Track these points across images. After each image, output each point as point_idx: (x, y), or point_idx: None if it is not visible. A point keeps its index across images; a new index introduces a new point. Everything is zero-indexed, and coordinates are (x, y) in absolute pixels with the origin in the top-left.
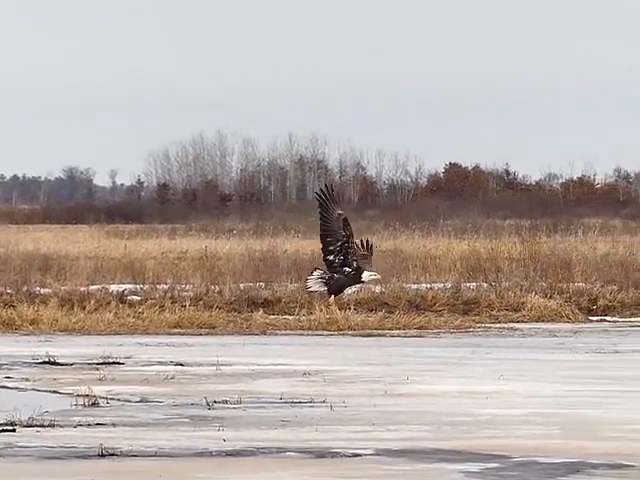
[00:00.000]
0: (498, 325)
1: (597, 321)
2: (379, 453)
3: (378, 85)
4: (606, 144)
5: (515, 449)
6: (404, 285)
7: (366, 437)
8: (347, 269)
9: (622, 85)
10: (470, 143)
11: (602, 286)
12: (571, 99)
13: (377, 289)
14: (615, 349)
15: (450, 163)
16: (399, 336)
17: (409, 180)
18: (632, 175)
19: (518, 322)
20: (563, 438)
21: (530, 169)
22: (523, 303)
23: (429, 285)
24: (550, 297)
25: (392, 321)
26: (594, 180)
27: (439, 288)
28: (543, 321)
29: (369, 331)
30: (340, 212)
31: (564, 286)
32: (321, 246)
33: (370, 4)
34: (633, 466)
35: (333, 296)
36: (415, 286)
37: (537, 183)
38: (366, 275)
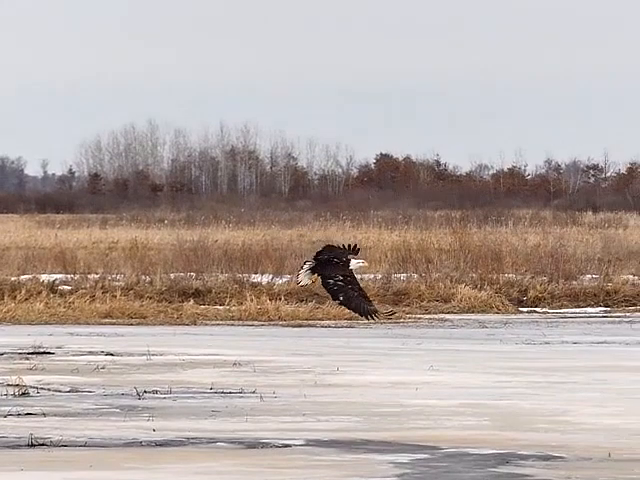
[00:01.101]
0: (428, 316)
1: (527, 312)
2: (309, 444)
3: (309, 76)
4: (537, 135)
5: (445, 440)
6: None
7: (296, 428)
8: (336, 260)
9: (552, 79)
10: (401, 134)
11: (532, 277)
12: (502, 91)
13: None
14: (545, 340)
15: (381, 154)
16: (329, 327)
17: (340, 171)
18: (562, 166)
19: (448, 313)
20: (493, 429)
21: (461, 160)
22: (453, 294)
23: (359, 276)
24: (480, 288)
25: (323, 312)
26: (524, 171)
27: (369, 279)
28: (473, 312)
29: (300, 321)
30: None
31: (494, 277)
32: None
33: None
34: (563, 457)
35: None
36: None
37: (468, 174)
38: (353, 263)
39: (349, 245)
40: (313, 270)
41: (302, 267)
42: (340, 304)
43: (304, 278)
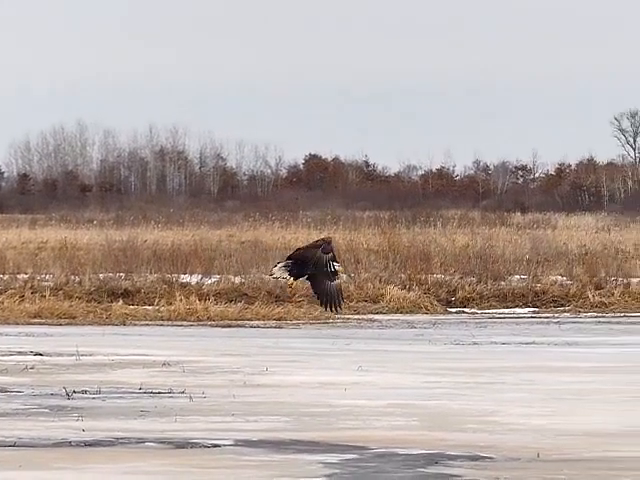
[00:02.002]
0: (357, 316)
1: (456, 312)
2: (238, 444)
3: (238, 76)
4: (465, 136)
5: (374, 440)
6: (264, 276)
7: (225, 428)
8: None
9: (479, 77)
10: (330, 135)
11: (461, 278)
12: (430, 92)
13: (237, 280)
14: (473, 341)
15: (310, 154)
16: (258, 327)
17: (269, 171)
18: (491, 167)
19: (377, 313)
20: (422, 429)
21: (389, 161)
22: (382, 294)
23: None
24: (409, 289)
25: (252, 312)
26: (453, 172)
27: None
28: (402, 312)
29: (229, 322)
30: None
31: (423, 278)
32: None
33: None
34: (491, 458)
35: (294, 279)
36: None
37: (396, 175)
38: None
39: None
40: (287, 267)
41: (276, 265)
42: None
43: (277, 271)
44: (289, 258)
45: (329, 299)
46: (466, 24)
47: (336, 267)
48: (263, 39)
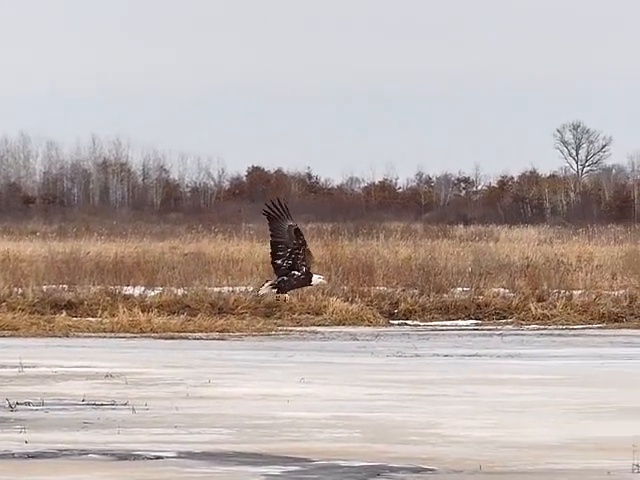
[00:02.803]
0: (300, 328)
1: (398, 325)
2: (181, 456)
3: (180, 88)
4: (408, 148)
5: (316, 452)
6: (206, 288)
7: (168, 440)
8: (296, 273)
9: (423, 90)
10: (272, 147)
11: (403, 290)
12: (372, 103)
13: (179, 292)
14: (416, 353)
15: (252, 167)
16: (201, 339)
17: (212, 183)
18: (433, 179)
19: (320, 325)
20: (364, 441)
21: (332, 173)
22: (325, 306)
23: (231, 288)
24: (352, 301)
25: (194, 324)
26: (396, 184)
27: (241, 291)
28: (344, 324)
29: (171, 334)
30: (291, 224)
31: (365, 290)
32: (270, 252)
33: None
34: (433, 470)
35: (285, 295)
36: (217, 289)
37: (339, 187)
38: (315, 278)
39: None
40: (273, 285)
41: (263, 285)
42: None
43: (264, 289)
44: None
45: (283, 283)
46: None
47: (320, 280)
48: (205, 51)
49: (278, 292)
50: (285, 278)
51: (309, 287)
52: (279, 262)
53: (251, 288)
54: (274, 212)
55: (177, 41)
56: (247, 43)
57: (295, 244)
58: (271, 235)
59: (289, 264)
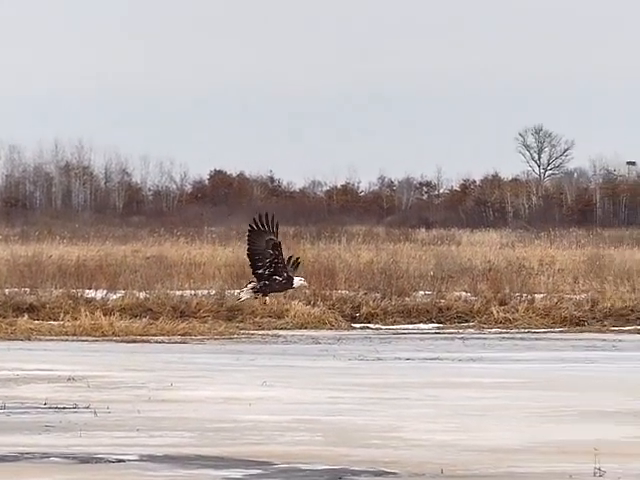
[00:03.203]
0: (262, 332)
1: (360, 328)
2: (143, 459)
3: (143, 91)
4: (370, 152)
5: (278, 455)
6: (168, 291)
7: (130, 443)
8: (278, 278)
9: (385, 94)
10: (235, 151)
11: (365, 293)
12: (335, 108)
13: (141, 295)
14: (378, 356)
15: (215, 170)
16: (163, 342)
17: (174, 187)
18: (395, 183)
19: (282, 329)
20: (326, 445)
21: (294, 176)
22: (287, 310)
23: (193, 292)
24: (314, 304)
25: (156, 327)
26: (358, 188)
27: (203, 295)
28: (306, 328)
29: (133, 337)
30: (271, 238)
31: (327, 293)
32: (250, 264)
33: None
34: (395, 473)
35: (266, 297)
36: (179, 292)
37: (301, 190)
38: (296, 281)
39: (289, 258)
40: (254, 289)
41: (246, 286)
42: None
43: (245, 294)
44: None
45: (264, 286)
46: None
47: (302, 282)
48: (170, 55)
49: (258, 292)
50: (267, 282)
51: (291, 290)
52: (261, 271)
53: (213, 291)
54: (258, 227)
55: (128, 43)
56: (213, 44)
57: (272, 254)
58: (247, 246)
59: (270, 272)
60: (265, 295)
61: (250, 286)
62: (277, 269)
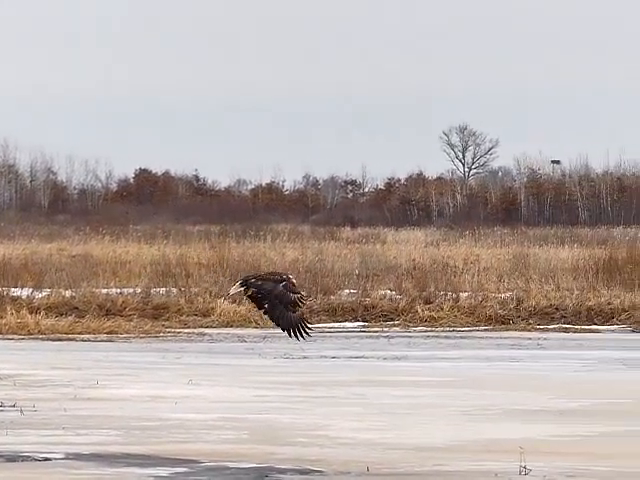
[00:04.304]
0: (188, 330)
1: None
2: (69, 457)
3: (67, 90)
4: (295, 150)
5: (204, 454)
6: (94, 290)
7: (56, 441)
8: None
9: (308, 92)
10: (160, 149)
11: None
12: (258, 106)
13: (67, 294)
14: (303, 354)
15: (140, 169)
16: (89, 340)
17: (99, 185)
18: (320, 181)
19: (207, 327)
20: (252, 443)
21: (219, 175)
22: (213, 308)
23: (119, 290)
24: (239, 303)
25: (82, 325)
26: (283, 186)
27: (129, 293)
28: (232, 326)
29: (59, 335)
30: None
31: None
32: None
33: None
34: (321, 471)
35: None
36: (105, 291)
37: (226, 189)
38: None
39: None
40: (243, 284)
41: (235, 282)
42: (264, 313)
43: (233, 290)
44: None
45: (291, 326)
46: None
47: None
48: (95, 54)
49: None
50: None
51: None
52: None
53: (139, 290)
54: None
55: (51, 42)
56: (134, 47)
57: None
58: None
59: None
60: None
61: (239, 283)
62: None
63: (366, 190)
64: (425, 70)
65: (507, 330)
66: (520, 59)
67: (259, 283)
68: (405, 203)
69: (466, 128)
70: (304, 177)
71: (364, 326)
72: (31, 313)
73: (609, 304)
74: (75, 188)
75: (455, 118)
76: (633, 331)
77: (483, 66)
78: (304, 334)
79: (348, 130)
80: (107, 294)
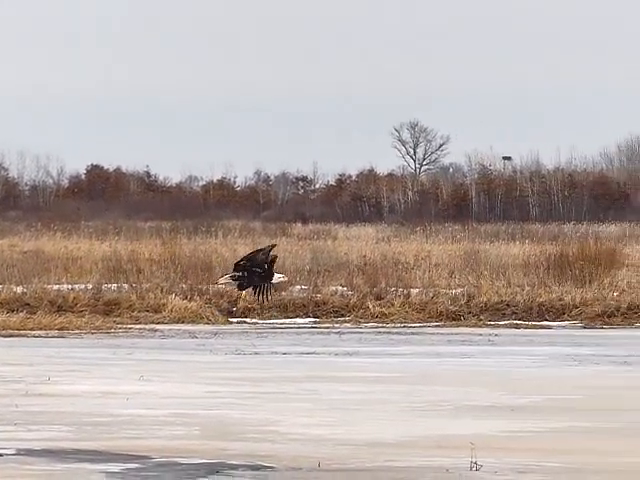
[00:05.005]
0: (139, 326)
1: (237, 323)
2: (20, 453)
3: (18, 87)
4: (246, 147)
5: (156, 450)
6: (46, 286)
7: (7, 437)
8: (258, 270)
9: (263, 90)
10: (111, 146)
11: None
12: (209, 103)
13: (18, 289)
14: (255, 351)
15: (91, 165)
16: (41, 336)
17: (51, 182)
18: (272, 178)
19: (159, 323)
20: (203, 439)
21: (171, 171)
22: (164, 304)
23: (70, 286)
24: (190, 299)
25: (34, 321)
26: (234, 183)
27: (80, 289)
28: (184, 322)
29: (11, 331)
30: (270, 254)
31: (204, 288)
32: (238, 260)
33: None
34: (272, 467)
35: (243, 291)
36: (57, 287)
37: (177, 185)
38: (276, 277)
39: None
40: (234, 278)
41: (223, 275)
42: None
43: (223, 280)
44: (237, 265)
45: (261, 290)
46: None
47: (280, 278)
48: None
49: (238, 287)
50: (246, 274)
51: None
52: (242, 262)
53: (90, 286)
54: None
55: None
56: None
57: (265, 260)
58: (250, 254)
59: (250, 264)
60: (242, 289)
61: (228, 275)
62: (260, 264)
63: (317, 186)
64: (376, 67)
65: (458, 326)
66: (470, 56)
67: (249, 256)
68: (356, 199)
69: (417, 124)
70: (255, 173)
71: (315, 322)
72: None
73: (560, 300)
74: (26, 184)
75: (406, 115)
76: (584, 327)
77: (434, 63)
78: (264, 297)
79: (300, 126)
80: (58, 290)
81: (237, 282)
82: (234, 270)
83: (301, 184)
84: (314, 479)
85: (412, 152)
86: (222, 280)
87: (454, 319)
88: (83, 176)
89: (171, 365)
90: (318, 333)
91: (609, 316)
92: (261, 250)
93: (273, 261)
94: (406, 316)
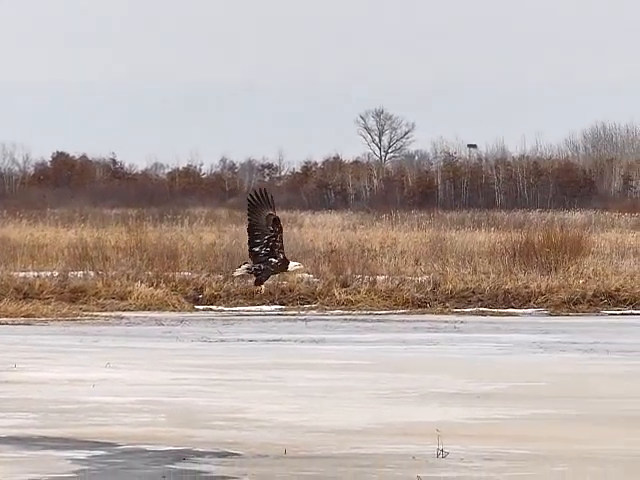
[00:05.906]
0: (105, 313)
1: (203, 310)
2: None
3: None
4: (212, 134)
5: (122, 437)
6: (12, 273)
7: None
8: (273, 260)
9: (229, 78)
10: (77, 133)
11: (208, 275)
12: (177, 90)
13: None
14: (221, 338)
15: (57, 152)
16: (7, 324)
17: (17, 169)
18: (237, 165)
19: (125, 310)
20: (169, 426)
21: (137, 158)
22: (130, 292)
23: (37, 273)
24: (156, 286)
25: (0, 309)
26: (200, 170)
27: (46, 276)
28: (150, 310)
29: None
30: (270, 213)
31: (170, 275)
32: (248, 239)
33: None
34: (239, 454)
35: (261, 286)
36: (23, 274)
37: (143, 172)
38: (292, 265)
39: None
40: (250, 270)
41: (240, 266)
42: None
43: (239, 271)
44: (252, 252)
45: (260, 271)
46: None
47: (297, 266)
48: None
49: (256, 282)
50: (262, 266)
51: (285, 273)
52: (257, 249)
53: (56, 273)
54: (256, 201)
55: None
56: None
57: (272, 231)
58: (248, 220)
59: (267, 251)
60: (260, 283)
61: (245, 267)
62: (274, 249)
63: (283, 174)
64: (342, 53)
65: (424, 313)
66: (436, 44)
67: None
68: (322, 187)
69: (382, 112)
70: (221, 161)
71: (281, 309)
72: None
73: (526, 287)
74: None
75: (371, 102)
76: (550, 314)
77: (400, 51)
78: (258, 279)
79: (265, 113)
80: (24, 277)
81: (253, 274)
82: (250, 257)
83: (267, 172)
84: (280, 466)
85: (377, 140)
86: (238, 272)
87: (420, 306)
88: (49, 163)
89: (137, 352)
90: (284, 320)
91: (575, 303)
92: (258, 202)
93: (277, 222)
94: (372, 303)
